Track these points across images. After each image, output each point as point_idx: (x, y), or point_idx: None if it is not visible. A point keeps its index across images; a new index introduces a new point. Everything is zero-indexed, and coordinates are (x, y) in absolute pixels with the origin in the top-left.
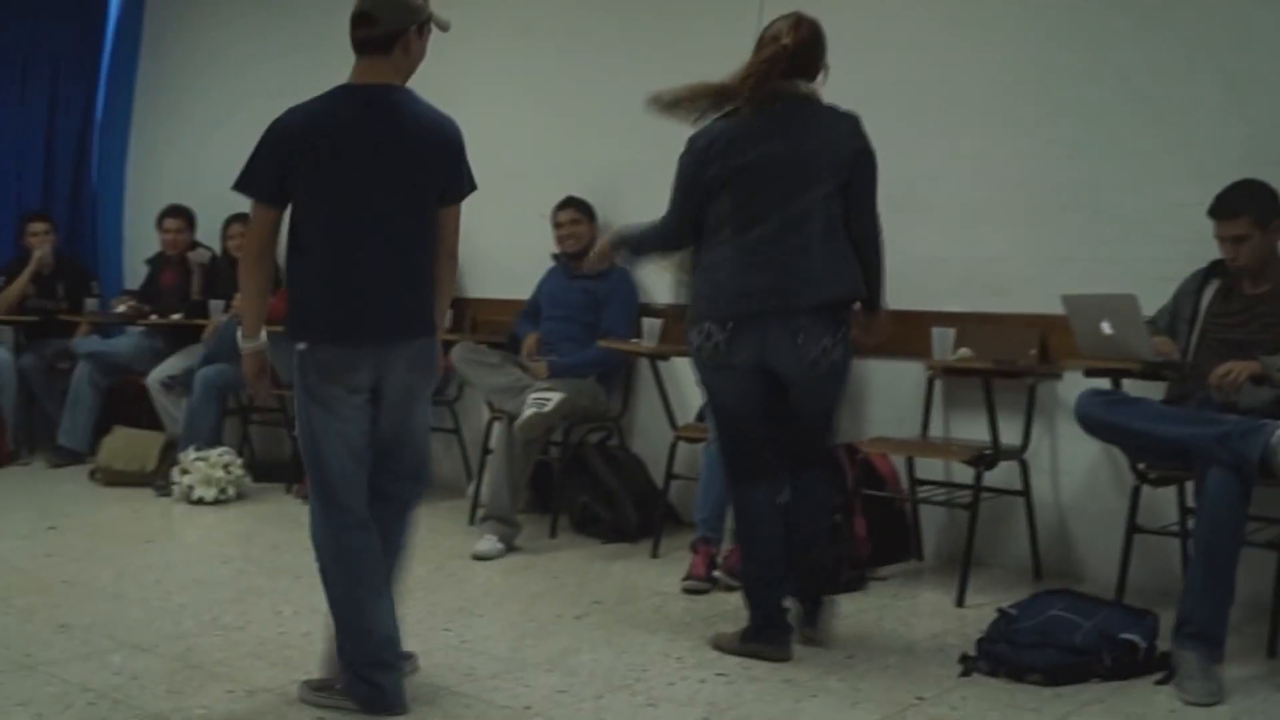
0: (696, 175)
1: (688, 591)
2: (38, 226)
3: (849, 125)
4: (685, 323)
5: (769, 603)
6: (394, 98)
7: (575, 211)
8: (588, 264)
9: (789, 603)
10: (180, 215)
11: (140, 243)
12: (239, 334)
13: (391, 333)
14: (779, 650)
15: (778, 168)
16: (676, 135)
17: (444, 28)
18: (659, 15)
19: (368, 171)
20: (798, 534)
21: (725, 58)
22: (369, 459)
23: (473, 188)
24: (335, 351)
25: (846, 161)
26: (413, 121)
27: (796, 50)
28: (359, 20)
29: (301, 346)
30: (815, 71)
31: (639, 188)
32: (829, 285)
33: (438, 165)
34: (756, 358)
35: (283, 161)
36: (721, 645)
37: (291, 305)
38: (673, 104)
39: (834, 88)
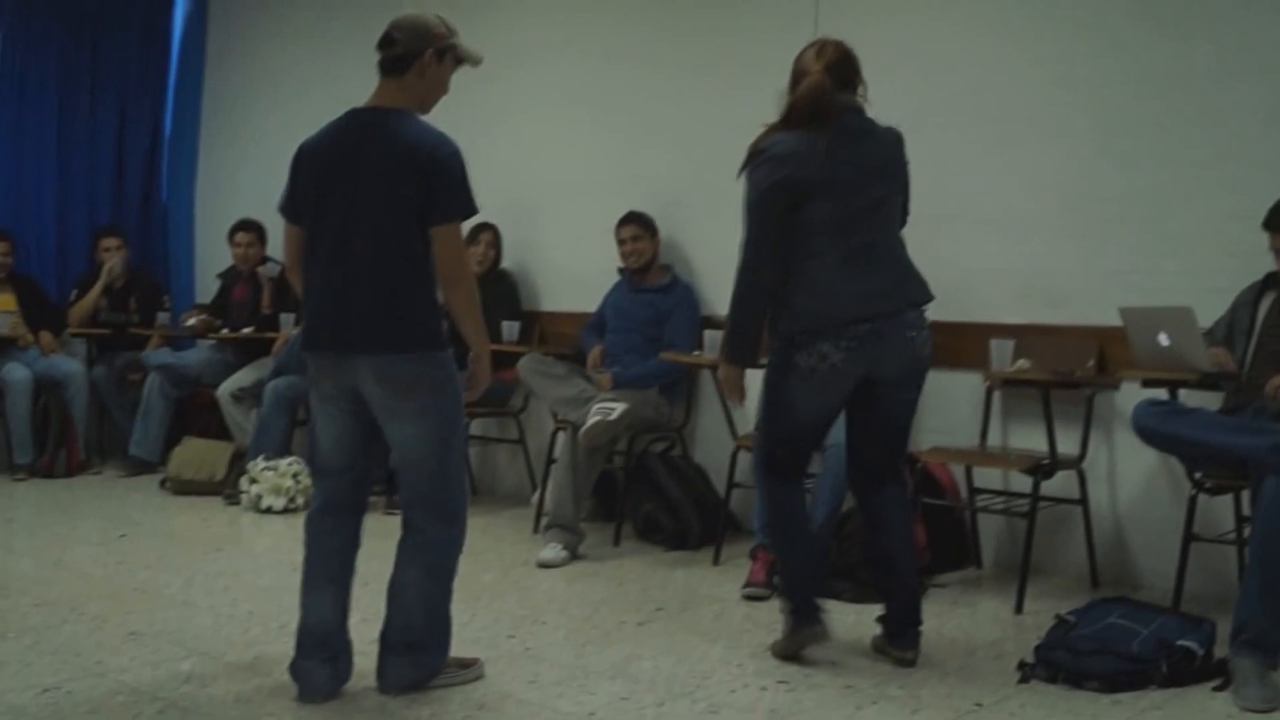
0: (784, 183)
1: (748, 598)
2: (109, 241)
3: (899, 139)
4: (778, 341)
5: (809, 594)
6: (382, 119)
7: (636, 227)
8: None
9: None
10: (251, 229)
11: (210, 257)
12: None
13: (350, 343)
14: (822, 628)
15: (865, 175)
16: (734, 148)
17: (475, 62)
18: (715, 32)
19: (343, 190)
20: (884, 554)
21: (779, 72)
22: (358, 465)
23: (466, 213)
24: (309, 357)
25: (903, 173)
26: (390, 143)
27: (830, 70)
28: (381, 41)
29: (303, 352)
30: (855, 86)
31: (699, 200)
32: (921, 285)
33: (414, 186)
34: (866, 368)
35: (293, 183)
36: (779, 651)
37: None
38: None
39: (892, 104)
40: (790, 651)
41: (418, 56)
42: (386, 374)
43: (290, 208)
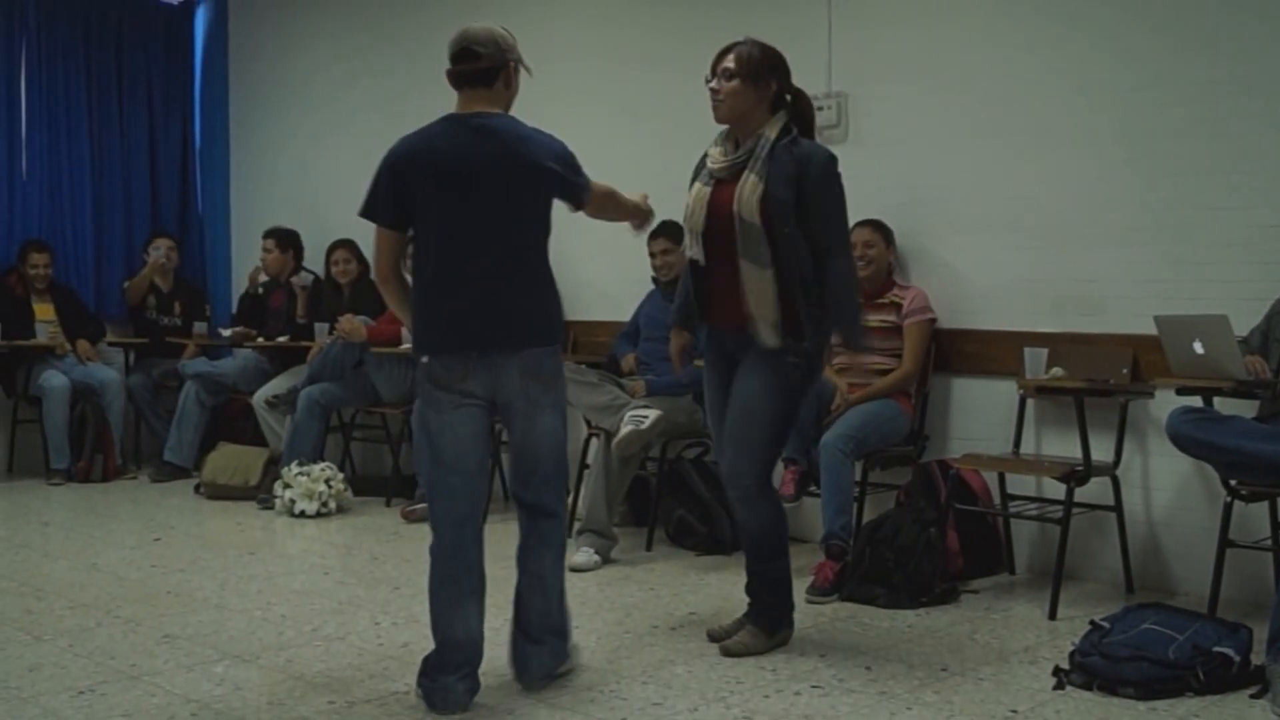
0: None
1: (811, 602)
2: (161, 242)
3: None
4: (813, 347)
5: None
6: (498, 123)
7: (667, 240)
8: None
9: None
10: (272, 236)
11: (247, 266)
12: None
13: (498, 341)
14: (792, 627)
15: None
16: None
17: (529, 72)
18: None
19: (475, 192)
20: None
21: (797, 80)
22: (487, 464)
23: (591, 186)
24: (448, 361)
25: None
26: (516, 142)
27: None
28: (462, 55)
29: (423, 360)
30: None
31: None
32: None
33: (548, 183)
34: None
35: (398, 188)
36: (752, 649)
37: (415, 322)
38: None
39: (927, 117)
40: (766, 649)
41: (504, 67)
42: (534, 368)
43: (387, 215)
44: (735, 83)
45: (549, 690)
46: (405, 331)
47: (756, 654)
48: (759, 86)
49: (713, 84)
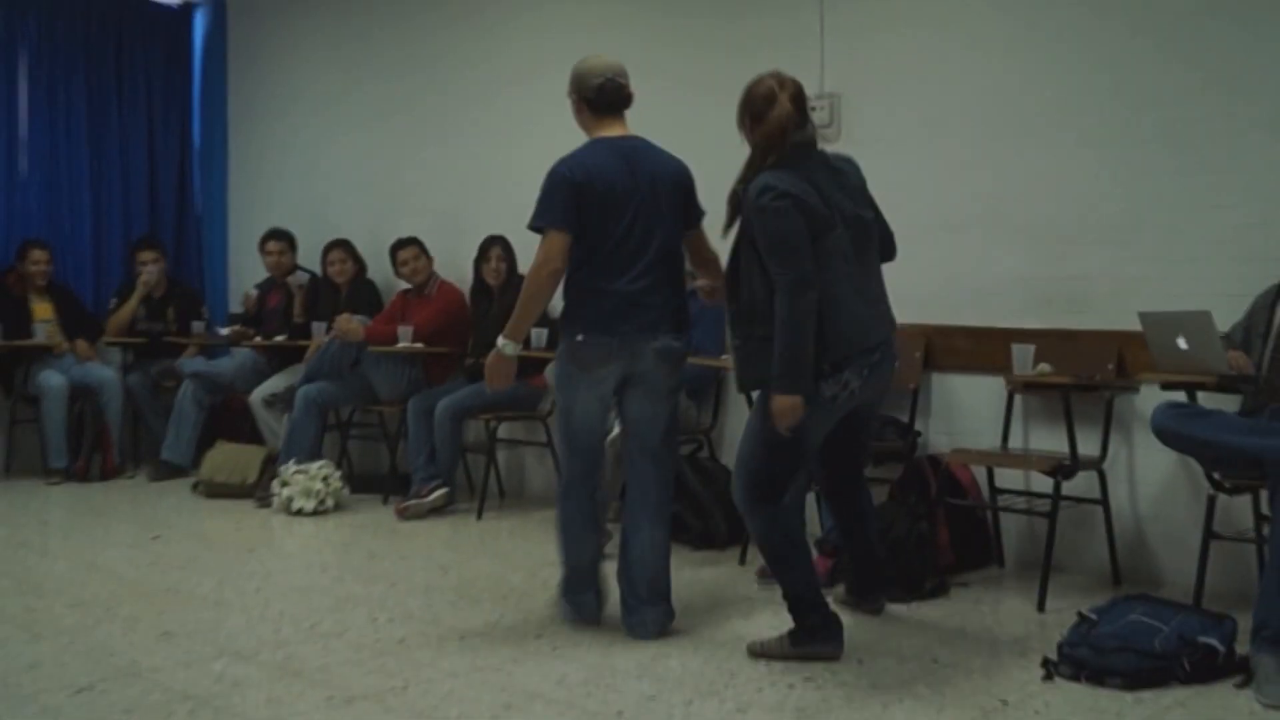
0: (811, 219)
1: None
2: (146, 255)
3: (858, 167)
4: (809, 372)
5: (822, 603)
6: (641, 145)
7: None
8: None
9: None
10: (281, 238)
11: (245, 266)
12: (500, 340)
13: (651, 326)
14: (837, 648)
15: (860, 207)
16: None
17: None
18: (726, 48)
19: (633, 206)
20: (866, 543)
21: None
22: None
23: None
24: (601, 341)
25: (872, 200)
26: (666, 165)
27: (795, 101)
28: (621, 89)
29: (579, 338)
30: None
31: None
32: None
33: (684, 197)
34: (865, 394)
35: (576, 201)
36: (770, 652)
37: (574, 308)
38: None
39: (918, 118)
40: (785, 656)
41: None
42: (667, 352)
43: (569, 222)
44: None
45: (544, 685)
46: (401, 330)
47: (771, 659)
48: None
49: None
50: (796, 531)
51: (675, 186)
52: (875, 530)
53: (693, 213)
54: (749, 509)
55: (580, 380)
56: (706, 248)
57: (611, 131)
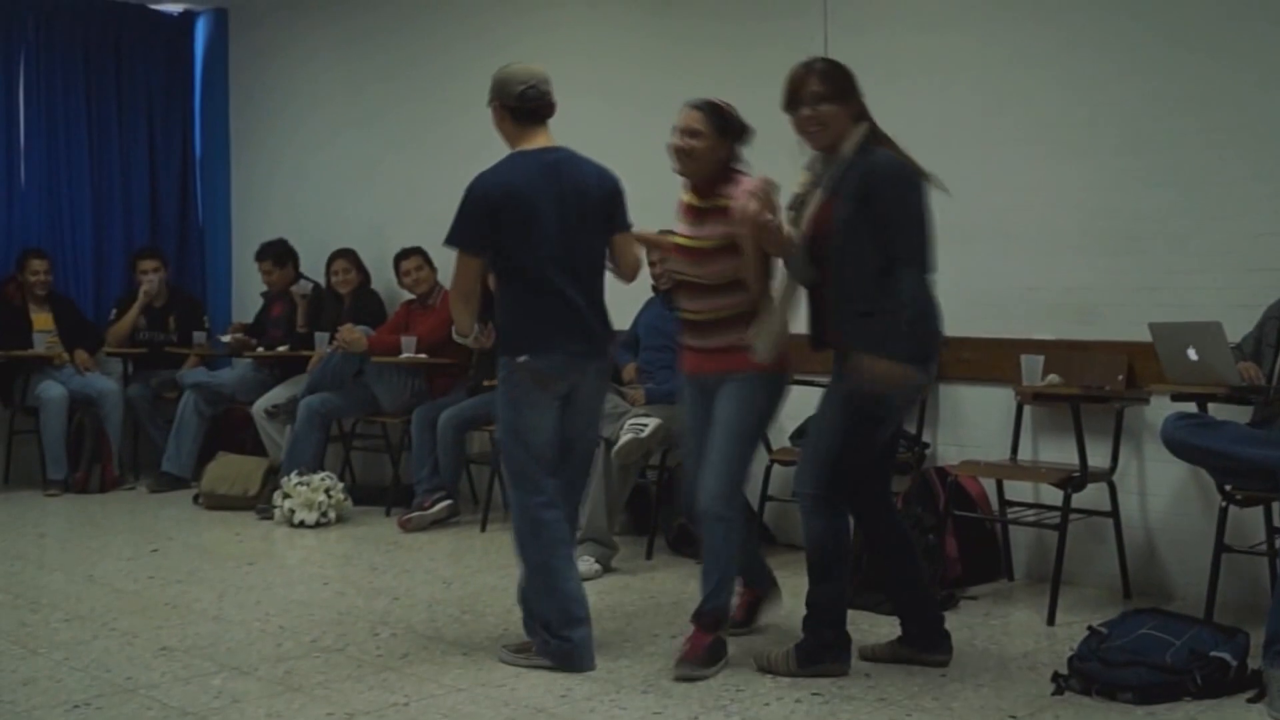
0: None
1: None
2: (147, 264)
3: None
4: (895, 370)
5: (842, 621)
6: (564, 156)
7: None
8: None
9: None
10: (267, 257)
11: (248, 275)
12: (453, 330)
13: (600, 348)
14: (845, 667)
15: None
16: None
17: None
18: (731, 46)
19: (556, 222)
20: (910, 573)
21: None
22: (557, 453)
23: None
24: (549, 361)
25: None
26: (590, 176)
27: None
28: (545, 95)
29: (522, 359)
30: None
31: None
32: None
33: (612, 207)
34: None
35: (487, 219)
36: (776, 668)
37: (512, 327)
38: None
39: (919, 119)
40: (793, 673)
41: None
42: (604, 371)
43: (476, 243)
44: (827, 106)
45: (548, 700)
46: (404, 341)
47: (776, 675)
48: (849, 104)
49: (806, 112)
50: (849, 547)
51: (602, 198)
52: (924, 570)
53: (618, 224)
54: (815, 507)
55: (539, 399)
56: (630, 251)
57: (535, 143)
